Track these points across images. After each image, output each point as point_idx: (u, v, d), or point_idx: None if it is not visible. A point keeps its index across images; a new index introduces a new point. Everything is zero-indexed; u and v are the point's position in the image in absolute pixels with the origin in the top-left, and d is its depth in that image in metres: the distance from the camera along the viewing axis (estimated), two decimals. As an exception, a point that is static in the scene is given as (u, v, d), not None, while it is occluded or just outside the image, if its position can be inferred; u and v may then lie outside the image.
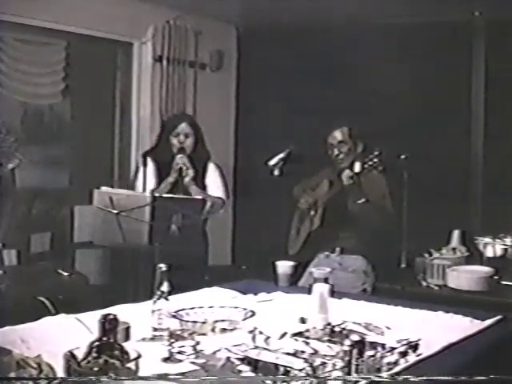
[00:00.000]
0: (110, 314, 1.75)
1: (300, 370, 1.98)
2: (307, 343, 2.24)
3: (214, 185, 4.17)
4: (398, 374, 2.02)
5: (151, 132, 5.34)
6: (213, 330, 2.40)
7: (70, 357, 1.71)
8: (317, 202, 4.13)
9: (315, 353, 2.15)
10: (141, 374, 1.74)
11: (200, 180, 4.13)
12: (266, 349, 2.17)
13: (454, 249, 4.09)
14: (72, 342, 1.88)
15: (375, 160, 3.91)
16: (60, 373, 1.79)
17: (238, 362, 2.07)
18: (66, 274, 4.14)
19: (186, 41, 5.55)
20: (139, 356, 1.74)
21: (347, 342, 1.99)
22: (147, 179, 4.08)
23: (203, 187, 4.13)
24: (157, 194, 3.68)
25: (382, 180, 4.09)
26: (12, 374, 1.78)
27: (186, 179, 4.04)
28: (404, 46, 5.05)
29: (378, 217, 4.01)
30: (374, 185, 4.08)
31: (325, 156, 4.21)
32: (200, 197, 3.98)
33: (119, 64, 5.35)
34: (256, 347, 2.19)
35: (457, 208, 4.95)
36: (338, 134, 4.15)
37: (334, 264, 3.90)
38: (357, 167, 3.96)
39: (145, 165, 4.05)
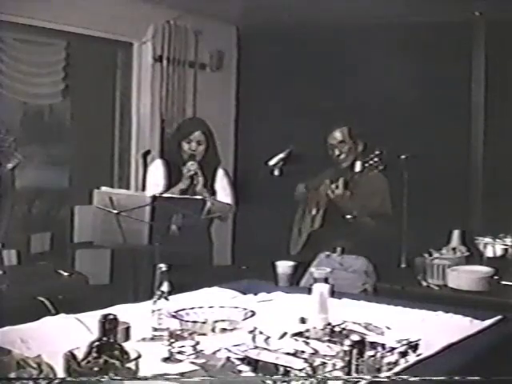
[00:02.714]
0: (110, 314, 1.75)
1: (300, 370, 1.98)
2: (307, 343, 2.24)
3: (223, 192, 4.20)
4: (398, 374, 2.02)
5: (151, 132, 5.35)
6: (213, 330, 2.40)
7: (70, 357, 1.71)
8: (319, 201, 4.12)
9: (315, 353, 2.15)
10: (141, 374, 1.74)
11: (209, 186, 4.14)
12: (265, 349, 2.17)
13: (454, 249, 4.08)
14: (72, 341, 1.88)
15: (376, 159, 3.91)
16: (60, 373, 1.79)
17: (238, 362, 2.07)
18: (65, 274, 4.15)
19: (186, 41, 5.55)
20: (139, 356, 1.74)
21: (347, 342, 1.99)
22: (157, 181, 4.09)
23: (212, 193, 4.15)
24: (157, 195, 3.69)
25: (383, 181, 4.08)
26: (12, 374, 1.78)
27: (198, 187, 4.05)
28: (404, 45, 5.04)
29: (377, 225, 3.99)
30: (374, 188, 4.06)
31: (325, 156, 4.22)
32: (199, 197, 3.99)
33: (119, 64, 5.35)
34: (256, 347, 2.19)
35: (457, 208, 4.95)
36: (338, 134, 4.16)
37: (335, 264, 3.89)
38: (357, 166, 3.96)
39: (145, 165, 4.04)
